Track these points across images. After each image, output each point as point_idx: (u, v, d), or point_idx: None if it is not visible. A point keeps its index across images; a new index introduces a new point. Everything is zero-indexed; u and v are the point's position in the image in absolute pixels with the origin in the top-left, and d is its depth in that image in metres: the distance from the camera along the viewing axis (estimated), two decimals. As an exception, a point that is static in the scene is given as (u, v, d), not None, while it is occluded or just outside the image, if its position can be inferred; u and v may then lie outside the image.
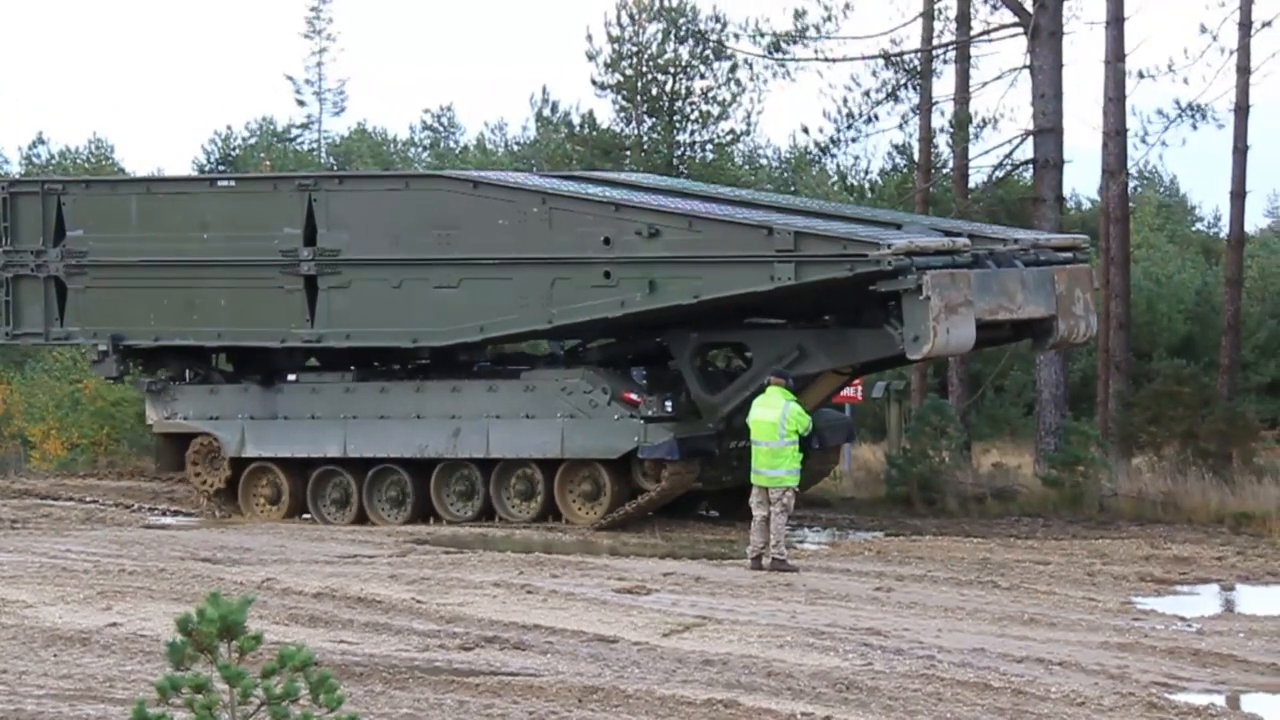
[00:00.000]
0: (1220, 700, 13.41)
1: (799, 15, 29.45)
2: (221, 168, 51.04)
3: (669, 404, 23.17)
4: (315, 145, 55.91)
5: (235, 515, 25.21)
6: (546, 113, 38.05)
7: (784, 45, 29.71)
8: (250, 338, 24.94)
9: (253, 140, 53.43)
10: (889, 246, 21.42)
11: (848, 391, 26.26)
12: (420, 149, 59.76)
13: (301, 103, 56.51)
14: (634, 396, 23.28)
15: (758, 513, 19.71)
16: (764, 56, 30.19)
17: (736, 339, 24.11)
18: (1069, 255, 23.89)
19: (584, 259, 22.85)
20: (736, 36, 30.51)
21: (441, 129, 62.31)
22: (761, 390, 20.44)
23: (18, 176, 24.70)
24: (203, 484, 25.52)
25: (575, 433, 23.39)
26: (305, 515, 25.03)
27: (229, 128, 54.11)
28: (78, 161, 51.64)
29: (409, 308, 23.82)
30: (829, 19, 29.52)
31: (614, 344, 24.66)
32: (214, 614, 7.26)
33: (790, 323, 23.93)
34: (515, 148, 51.08)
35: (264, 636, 7.63)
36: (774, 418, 19.68)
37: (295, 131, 56.41)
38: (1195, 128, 28.42)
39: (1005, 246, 23.08)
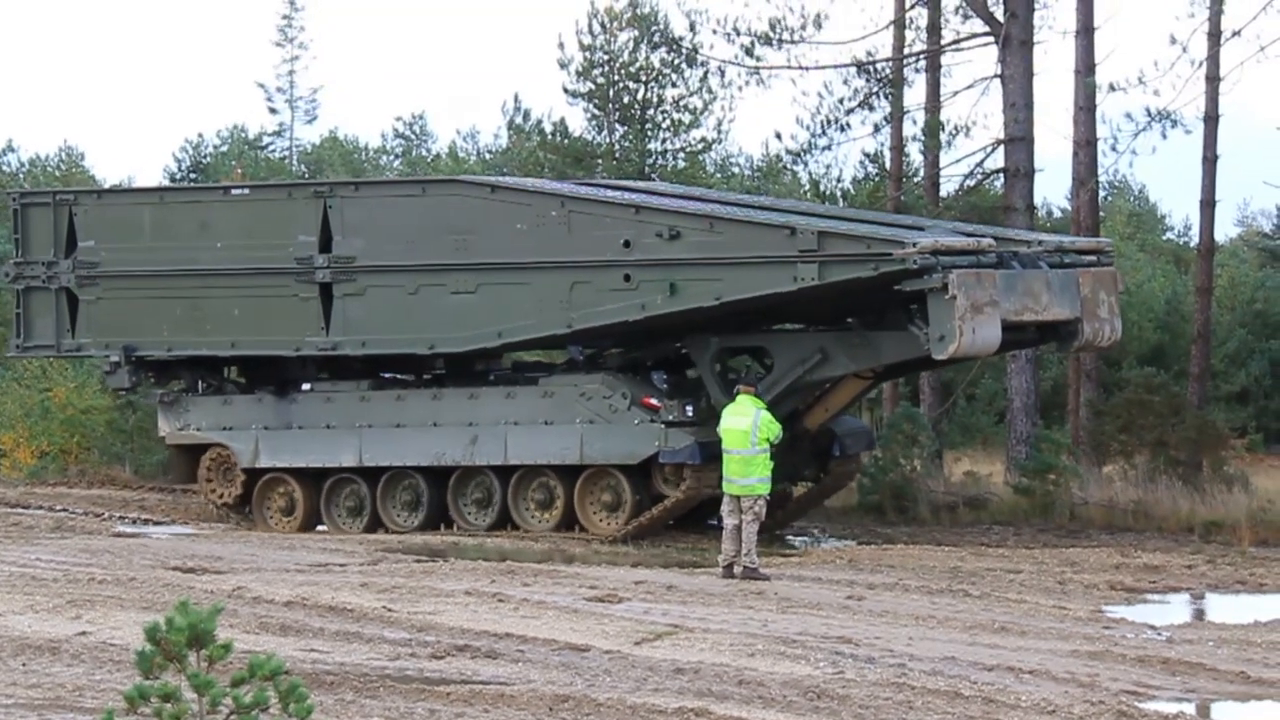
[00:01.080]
0: (1189, 708, 13.45)
1: (775, 24, 29.48)
2: (193, 176, 50.90)
3: (690, 408, 22.88)
4: (287, 153, 55.82)
5: (248, 527, 24.92)
6: (518, 121, 38.03)
7: (758, 49, 29.74)
8: (264, 347, 24.73)
9: (224, 148, 53.32)
10: (914, 245, 21.21)
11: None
12: (392, 157, 59.69)
13: (273, 110, 56.42)
14: (654, 401, 23.04)
15: (729, 521, 19.72)
16: (735, 63, 30.23)
17: (757, 343, 23.80)
18: (1093, 258, 23.61)
19: (603, 262, 22.65)
20: (713, 35, 30.48)
21: (413, 137, 62.25)
22: (732, 399, 20.44)
23: (28, 188, 24.67)
24: (216, 496, 25.29)
25: (595, 438, 23.16)
26: (321, 527, 24.77)
27: (200, 135, 54.01)
28: (48, 169, 51.46)
29: (425, 314, 23.63)
30: (803, 26, 29.58)
31: (633, 351, 24.30)
32: (183, 623, 7.24)
33: (813, 326, 23.72)
34: (487, 156, 51.05)
35: (234, 645, 7.61)
36: (745, 425, 19.68)
37: (267, 139, 56.31)
38: (1165, 136, 28.51)
39: (1030, 248, 22.85)
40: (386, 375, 25.08)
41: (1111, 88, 28.55)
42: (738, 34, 29.81)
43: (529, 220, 23.09)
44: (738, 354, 24.34)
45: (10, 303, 26.88)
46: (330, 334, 24.17)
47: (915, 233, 22.17)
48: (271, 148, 56.01)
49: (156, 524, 25.89)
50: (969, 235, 22.76)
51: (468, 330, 23.47)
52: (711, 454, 22.61)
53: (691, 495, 23.04)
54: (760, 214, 22.81)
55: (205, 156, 52.38)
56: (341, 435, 24.39)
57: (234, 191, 26.26)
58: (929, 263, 21.16)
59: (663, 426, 22.88)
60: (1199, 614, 19.34)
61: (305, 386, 24.90)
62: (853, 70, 30.16)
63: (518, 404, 23.65)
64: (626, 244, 22.55)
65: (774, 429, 19.80)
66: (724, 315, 22.72)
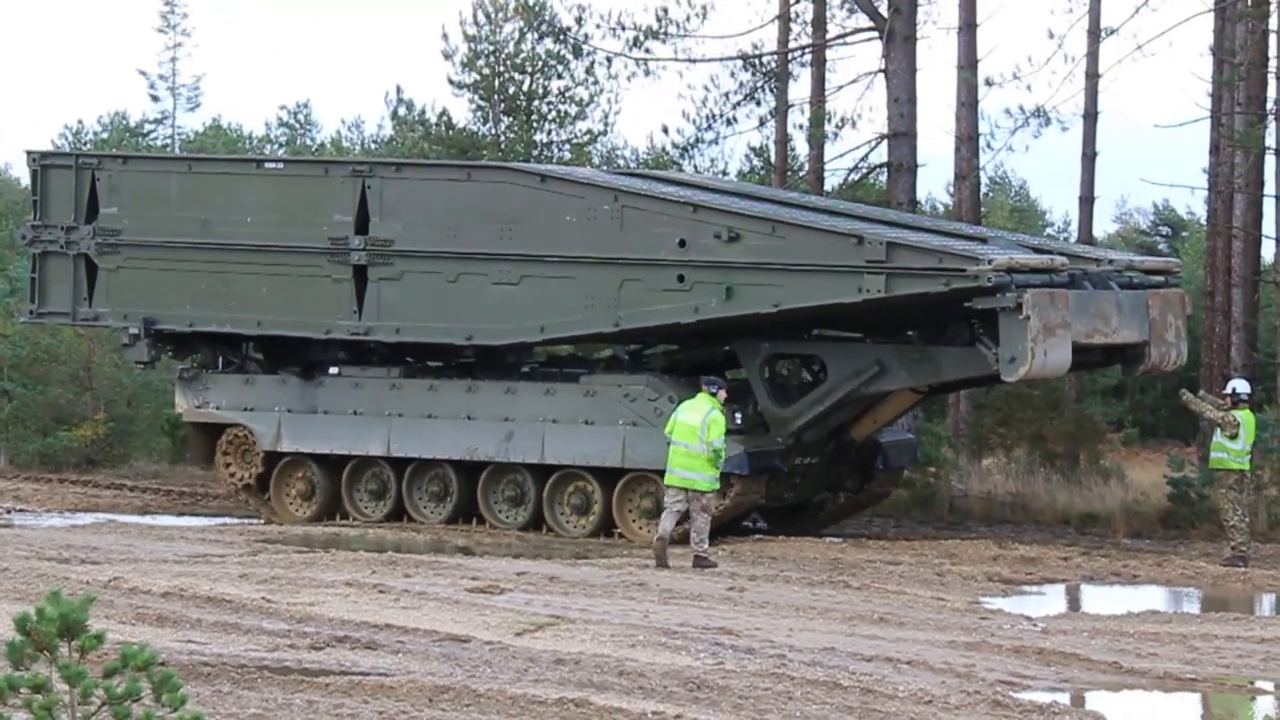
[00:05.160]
0: (1064, 698, 13.61)
1: (661, 17, 29.53)
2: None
3: (738, 416, 21.99)
4: (169, 141, 55.27)
5: (269, 514, 24.53)
6: (401, 112, 37.84)
7: (644, 41, 29.75)
8: (292, 327, 24.02)
9: (105, 135, 52.73)
10: (989, 262, 20.51)
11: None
12: (276, 146, 59.23)
13: (155, 98, 55.83)
14: None
15: (673, 506, 20.00)
16: (622, 55, 30.26)
17: (810, 351, 22.99)
18: (1161, 279, 23.07)
19: (657, 261, 21.90)
20: (598, 29, 30.49)
21: (298, 126, 61.80)
22: (692, 395, 20.47)
23: (51, 149, 23.78)
24: (233, 477, 24.76)
25: (638, 441, 22.35)
26: (347, 518, 24.17)
27: (80, 122, 53.44)
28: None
29: (465, 304, 22.92)
30: (689, 19, 29.64)
31: (679, 350, 23.79)
32: (54, 613, 7.16)
33: (870, 336, 22.84)
34: (372, 146, 50.78)
35: (107, 636, 7.53)
36: (696, 421, 19.87)
37: (149, 127, 55.74)
38: (1038, 135, 28.76)
39: (1100, 267, 22.26)
40: (411, 360, 24.32)
41: (988, 83, 28.78)
42: (623, 28, 29.85)
43: (579, 213, 22.31)
44: (788, 360, 23.56)
45: (25, 267, 25.94)
46: (363, 318, 23.46)
47: (985, 246, 21.41)
48: (154, 135, 55.46)
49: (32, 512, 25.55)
50: (1037, 251, 22.11)
51: (509, 323, 22.75)
52: (761, 465, 22.09)
53: (739, 505, 22.32)
54: (825, 219, 22.00)
55: (85, 143, 51.76)
56: (369, 423, 23.76)
57: (267, 165, 25.58)
58: (1003, 281, 20.44)
59: None
60: (1074, 605, 19.59)
61: (332, 370, 24.28)
62: (738, 64, 30.28)
63: (557, 401, 22.94)
64: (682, 243, 21.79)
65: (715, 431, 19.75)
66: (778, 321, 22.07)
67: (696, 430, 19.79)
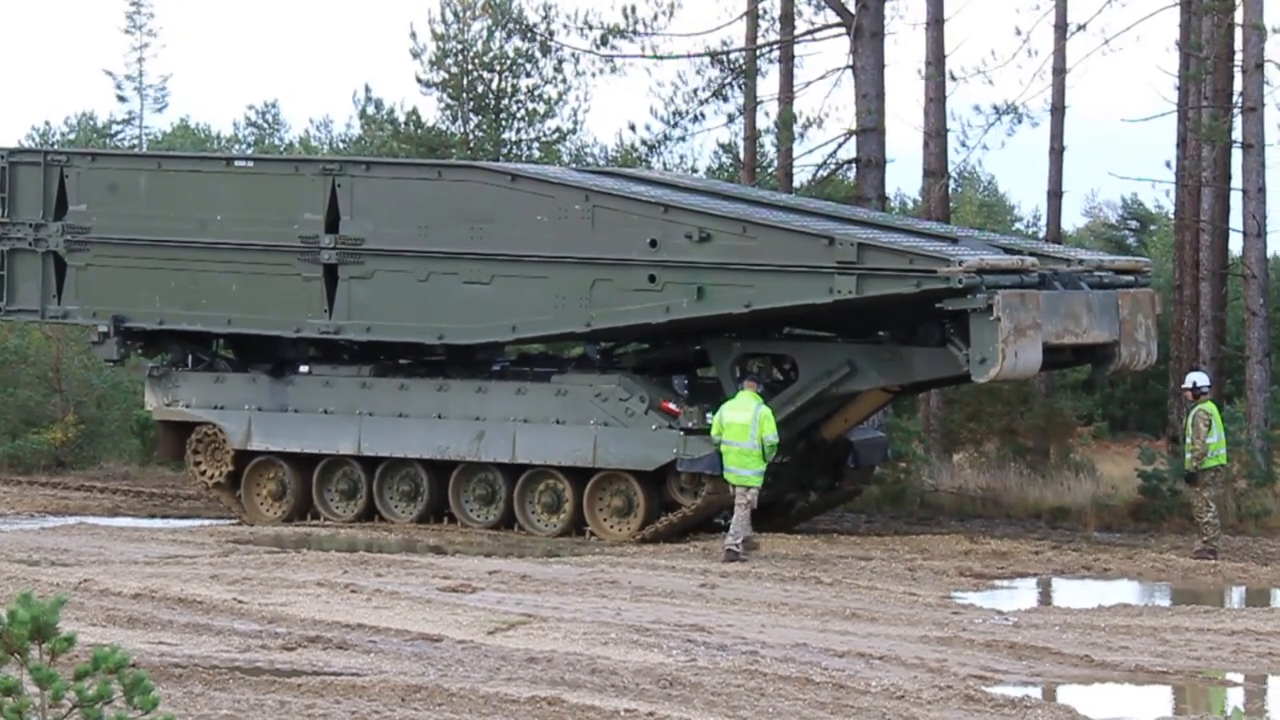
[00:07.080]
0: (1035, 692, 13.65)
1: (628, 13, 29.54)
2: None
3: (709, 415, 21.82)
4: (137, 142, 55.12)
5: (239, 512, 24.46)
6: (370, 110, 37.79)
7: (611, 39, 29.76)
8: (262, 326, 23.98)
9: (72, 136, 52.57)
10: (960, 263, 20.52)
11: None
12: (244, 146, 59.10)
13: (123, 99, 55.68)
14: (673, 406, 22.25)
15: (741, 501, 20.52)
16: (590, 52, 30.26)
17: (782, 350, 22.90)
18: (1131, 278, 23.05)
19: (628, 261, 21.89)
20: (565, 28, 30.49)
21: (266, 126, 61.66)
22: (733, 395, 20.84)
23: (19, 146, 23.71)
24: (204, 475, 24.69)
25: (609, 441, 22.35)
26: (318, 518, 24.09)
27: (47, 123, 53.25)
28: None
29: (436, 303, 22.91)
30: (657, 16, 29.66)
31: (650, 349, 23.80)
32: (25, 615, 7.14)
33: (841, 336, 22.80)
34: (340, 145, 50.70)
35: (78, 638, 7.52)
36: (745, 419, 20.34)
37: (116, 127, 55.58)
38: (1012, 132, 28.84)
39: (1070, 266, 22.24)
40: (382, 357, 24.31)
41: (952, 77, 28.81)
42: (591, 26, 29.85)
43: (550, 212, 22.28)
44: (759, 359, 23.39)
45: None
46: (333, 317, 23.44)
47: (956, 247, 21.41)
48: (121, 136, 55.30)
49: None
50: (1008, 251, 22.11)
51: (480, 323, 22.73)
52: None
53: (710, 505, 22.28)
54: (796, 219, 21.97)
55: (53, 144, 51.59)
56: (340, 421, 23.73)
57: (237, 163, 25.49)
58: (974, 282, 20.47)
59: (681, 434, 22.00)
60: (1045, 599, 19.65)
61: (303, 369, 24.23)
62: (706, 61, 30.30)
63: (528, 401, 22.91)
64: (653, 243, 21.78)
65: (767, 426, 20.28)
66: (749, 321, 22.10)
67: (748, 427, 20.28)
